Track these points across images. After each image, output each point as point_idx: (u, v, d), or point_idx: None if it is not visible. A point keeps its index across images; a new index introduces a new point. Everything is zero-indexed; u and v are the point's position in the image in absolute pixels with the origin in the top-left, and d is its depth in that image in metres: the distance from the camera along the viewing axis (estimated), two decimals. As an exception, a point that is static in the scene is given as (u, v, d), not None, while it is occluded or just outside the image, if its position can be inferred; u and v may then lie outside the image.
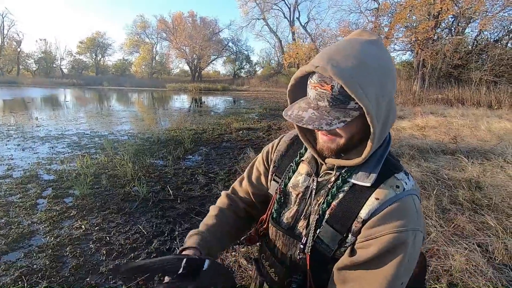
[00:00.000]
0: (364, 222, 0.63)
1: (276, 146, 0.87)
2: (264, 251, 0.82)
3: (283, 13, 33.88)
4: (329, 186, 0.69)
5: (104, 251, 2.48)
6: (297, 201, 0.75)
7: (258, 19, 36.03)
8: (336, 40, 23.17)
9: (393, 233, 0.59)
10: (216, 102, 20.56)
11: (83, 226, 2.86)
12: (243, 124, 9.47)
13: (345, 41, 0.62)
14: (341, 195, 0.67)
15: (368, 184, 0.64)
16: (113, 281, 2.14)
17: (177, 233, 2.83)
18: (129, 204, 3.41)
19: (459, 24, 15.63)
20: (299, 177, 0.76)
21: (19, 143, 6.25)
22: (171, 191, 3.76)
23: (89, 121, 9.72)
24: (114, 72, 54.07)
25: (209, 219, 0.88)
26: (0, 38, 45.33)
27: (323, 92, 0.58)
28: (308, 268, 0.68)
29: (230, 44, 49.58)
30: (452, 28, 16.08)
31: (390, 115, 0.63)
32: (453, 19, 15.77)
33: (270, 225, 0.80)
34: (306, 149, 0.78)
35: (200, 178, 4.35)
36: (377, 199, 0.62)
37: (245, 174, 0.96)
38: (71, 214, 3.12)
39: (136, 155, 5.41)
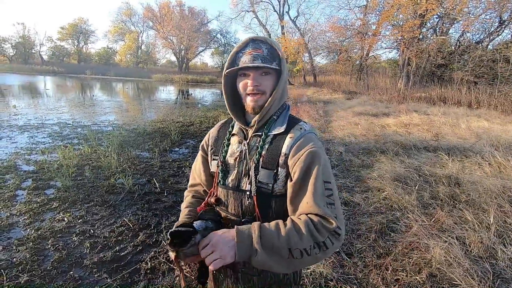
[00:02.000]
0: (286, 155, 0.88)
1: (209, 135, 1.10)
2: (219, 215, 0.98)
3: (273, 7, 33.61)
4: (257, 144, 0.92)
5: (88, 244, 2.43)
6: (236, 164, 0.95)
7: (247, 11, 35.60)
8: (325, 36, 23.28)
9: (306, 151, 0.86)
10: (203, 94, 20.31)
11: (65, 219, 2.79)
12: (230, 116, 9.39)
13: None
14: (267, 146, 0.91)
15: (282, 130, 0.91)
16: (97, 274, 2.10)
17: (163, 226, 2.80)
18: (114, 197, 3.33)
19: (444, 24, 15.99)
20: (234, 146, 0.97)
21: (-5, 132, 5.97)
22: (157, 184, 3.71)
23: (71, 111, 9.39)
24: (97, 61, 52.30)
25: (183, 211, 1.08)
26: (-26, 20, 42.68)
27: (257, 54, 0.87)
28: (256, 207, 0.88)
29: (219, 35, 48.96)
30: (437, 28, 16.45)
31: (286, 85, 0.94)
32: (438, 19, 16.12)
33: (220, 190, 0.97)
34: (233, 127, 1.01)
35: (187, 171, 4.31)
36: (291, 137, 0.90)
37: (192, 170, 1.16)
38: (53, 206, 3.03)
39: (121, 146, 5.28)
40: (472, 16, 14.19)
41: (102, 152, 4.75)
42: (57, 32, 50.94)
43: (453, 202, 3.18)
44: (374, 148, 5.37)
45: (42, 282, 1.99)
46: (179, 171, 4.31)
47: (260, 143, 0.91)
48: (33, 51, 49.58)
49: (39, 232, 2.54)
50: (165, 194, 3.50)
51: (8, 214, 2.81)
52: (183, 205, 1.12)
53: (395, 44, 18.18)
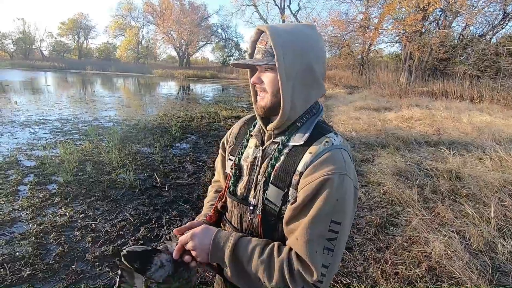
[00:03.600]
0: (301, 174, 0.71)
1: (231, 131, 0.99)
2: (224, 223, 0.90)
3: (274, 0, 33.30)
4: (272, 154, 0.78)
5: (89, 239, 2.45)
6: (248, 171, 0.83)
7: (248, 5, 35.24)
8: (327, 30, 23.05)
9: (321, 177, 0.67)
10: (204, 89, 20.26)
11: (67, 213, 2.81)
12: (232, 112, 9.39)
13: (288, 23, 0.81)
14: (282, 158, 0.76)
15: (301, 143, 0.74)
16: (99, 268, 2.12)
17: (164, 220, 2.82)
18: (115, 192, 3.35)
19: (446, 18, 15.82)
20: (249, 149, 0.86)
21: (-3, 127, 5.99)
22: (158, 179, 3.72)
23: (72, 106, 9.40)
24: (98, 56, 52.17)
25: (205, 206, 1.04)
26: (-26, 16, 42.61)
27: (260, 47, 0.74)
28: (260, 228, 0.76)
29: (219, 30, 48.61)
30: (440, 22, 16.28)
31: (312, 84, 0.75)
32: (440, 12, 15.95)
33: (227, 198, 0.87)
34: (254, 126, 0.89)
35: (188, 166, 4.32)
36: (310, 153, 0.72)
37: (215, 165, 1.07)
38: (55, 201, 3.05)
39: (122, 142, 5.29)
40: (476, 9, 14.03)
41: (103, 148, 4.77)
42: (57, 27, 50.77)
43: (454, 196, 3.18)
44: (375, 143, 5.36)
45: (45, 276, 2.01)
46: (179, 166, 4.32)
47: (275, 154, 0.77)
48: (34, 47, 49.49)
49: (41, 227, 2.56)
50: (166, 189, 3.52)
51: (11, 209, 2.83)
52: (206, 200, 1.06)
53: (397, 38, 18.03)
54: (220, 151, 1.02)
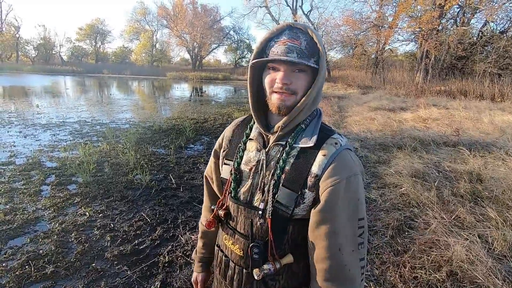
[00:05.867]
0: (318, 177, 0.73)
1: (223, 135, 0.96)
2: (227, 231, 0.86)
3: (286, 1, 33.21)
4: (278, 155, 0.77)
5: (108, 238, 2.51)
6: (251, 175, 0.81)
7: (260, 7, 35.34)
8: (340, 29, 22.81)
9: (342, 179, 0.71)
10: (217, 91, 20.43)
11: (87, 213, 2.89)
12: (244, 114, 9.40)
13: None
14: (292, 160, 0.76)
15: (312, 144, 0.75)
16: (118, 267, 2.18)
17: (180, 221, 2.86)
18: (132, 192, 3.43)
19: (465, 14, 15.33)
20: (250, 153, 0.83)
21: (20, 130, 6.25)
22: (173, 180, 3.78)
23: (90, 109, 9.69)
24: (114, 60, 53.52)
25: (199, 241, 1.09)
26: (-2, 24, 44.68)
27: (293, 45, 0.70)
28: (270, 231, 0.74)
29: (232, 32, 48.94)
30: (458, 19, 15.79)
31: (322, 88, 0.78)
32: (458, 9, 15.47)
33: (230, 203, 0.84)
34: (250, 129, 0.87)
35: (202, 167, 4.36)
36: (324, 155, 0.73)
37: (204, 186, 1.07)
38: (75, 201, 3.15)
39: (138, 143, 5.41)
40: (496, 5, 13.53)
41: (120, 149, 4.89)
42: (76, 33, 52.49)
43: (475, 199, 3.07)
44: (391, 144, 5.25)
45: (67, 273, 2.08)
46: (194, 167, 4.38)
47: (283, 156, 0.76)
48: (54, 52, 51.32)
49: (63, 226, 2.65)
50: (181, 190, 3.57)
51: (34, 208, 2.94)
52: (200, 225, 1.09)
53: (413, 36, 17.61)
54: (212, 158, 0.98)
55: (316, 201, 0.73)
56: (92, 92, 16.69)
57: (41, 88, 16.80)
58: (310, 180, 0.73)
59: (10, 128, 6.38)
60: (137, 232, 2.64)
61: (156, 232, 2.64)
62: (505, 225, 2.51)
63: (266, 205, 0.75)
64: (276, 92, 0.74)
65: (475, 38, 15.76)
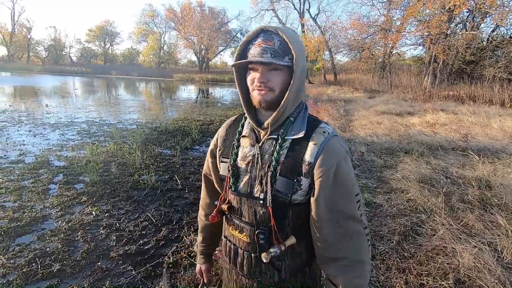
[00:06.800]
0: (311, 164, 0.79)
1: (218, 135, 1.02)
2: (232, 223, 0.92)
3: (293, 4, 33.30)
4: (272, 148, 0.84)
5: (114, 237, 2.53)
6: (248, 169, 0.87)
7: (267, 10, 35.49)
8: (347, 33, 22.75)
9: (334, 164, 0.79)
10: (223, 93, 20.51)
11: (93, 212, 2.92)
12: (250, 116, 9.43)
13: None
14: (285, 151, 0.82)
15: (302, 135, 0.81)
16: (123, 266, 2.19)
17: (185, 221, 2.87)
18: (138, 192, 3.46)
19: (474, 18, 15.15)
20: (245, 149, 0.89)
21: (30, 129, 6.36)
22: (179, 181, 3.80)
23: (97, 110, 9.81)
24: (122, 61, 54.23)
25: (199, 236, 1.18)
26: (11, 25, 45.69)
27: (267, 46, 0.76)
28: (272, 218, 0.81)
29: (239, 35, 49.11)
30: (467, 23, 15.61)
31: (303, 83, 0.83)
32: (468, 13, 15.30)
33: (232, 196, 0.90)
34: (242, 127, 0.93)
35: (208, 169, 4.38)
36: (315, 144, 0.80)
37: (203, 183, 1.12)
38: (82, 200, 3.18)
39: (145, 144, 5.46)
40: (507, 9, 13.34)
41: (126, 149, 4.93)
42: (85, 34, 53.38)
43: (484, 205, 3.02)
44: (398, 148, 5.20)
45: (72, 272, 2.10)
46: (199, 169, 4.39)
47: (277, 148, 0.82)
48: (63, 53, 52.26)
49: (69, 224, 2.68)
50: (186, 191, 3.58)
51: (42, 207, 2.98)
52: (199, 220, 1.17)
53: (421, 40, 17.46)
54: (209, 158, 1.04)
55: (311, 186, 0.81)
56: (100, 92, 16.90)
57: (51, 88, 17.08)
58: (304, 168, 0.80)
59: (20, 127, 6.50)
60: (142, 232, 2.65)
61: (161, 233, 2.65)
62: (514, 233, 2.45)
63: (266, 195, 0.81)
64: (256, 89, 0.81)
65: (484, 43, 15.55)
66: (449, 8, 13.78)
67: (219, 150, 0.98)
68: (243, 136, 0.91)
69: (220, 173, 0.96)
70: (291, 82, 0.78)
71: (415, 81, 16.57)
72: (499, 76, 12.37)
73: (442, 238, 2.45)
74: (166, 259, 2.30)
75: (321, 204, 0.79)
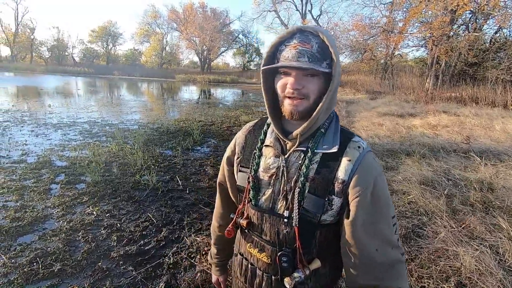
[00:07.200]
0: (345, 183, 0.73)
1: (235, 142, 0.93)
2: (250, 240, 0.85)
3: (295, 6, 33.36)
4: (299, 162, 0.76)
5: (115, 237, 2.54)
6: (271, 182, 0.80)
7: (269, 11, 35.54)
8: (349, 34, 22.73)
9: (370, 184, 0.72)
10: (225, 94, 20.54)
11: (94, 212, 2.93)
12: (252, 117, 9.45)
13: None
14: (315, 166, 0.75)
15: (335, 150, 0.74)
16: (123, 267, 2.19)
17: (185, 222, 2.87)
18: (139, 193, 3.46)
19: (477, 20, 15.11)
20: (268, 160, 0.81)
21: (32, 129, 6.39)
22: (180, 181, 3.80)
23: (100, 110, 9.84)
24: (124, 62, 54.40)
25: (213, 248, 1.13)
26: (14, 25, 45.99)
27: (304, 49, 0.69)
28: (297, 239, 0.74)
29: (240, 36, 49.32)
30: (469, 25, 15.56)
31: (336, 94, 0.77)
32: (470, 15, 15.25)
33: (253, 212, 0.82)
34: (265, 135, 0.85)
35: (209, 170, 4.38)
36: (349, 160, 0.73)
37: (218, 192, 1.05)
38: (83, 200, 3.19)
39: (146, 144, 5.47)
40: (510, 11, 13.30)
41: (128, 150, 4.95)
42: (88, 35, 53.67)
43: (486, 208, 3.00)
44: (399, 150, 5.18)
45: (73, 272, 2.11)
46: (200, 170, 4.40)
47: (306, 162, 0.74)
48: (66, 53, 52.51)
49: (70, 224, 2.69)
50: (187, 191, 3.59)
51: (44, 206, 3.00)
52: (213, 241, 1.12)
53: (423, 42, 17.42)
54: (225, 166, 0.95)
55: (343, 206, 0.74)
56: (103, 93, 16.96)
57: (53, 89, 17.16)
58: (337, 186, 0.73)
59: (22, 127, 6.53)
60: (143, 232, 2.66)
61: (162, 233, 2.65)
62: (517, 236, 2.44)
63: (291, 212, 0.75)
64: (288, 97, 0.73)
65: (487, 45, 15.49)
66: (452, 9, 13.75)
67: (237, 158, 0.90)
68: (266, 146, 0.83)
69: (238, 183, 0.89)
70: (328, 90, 0.72)
71: (417, 83, 16.51)
72: (501, 78, 12.32)
73: (443, 240, 2.44)
74: (167, 259, 2.30)
75: (358, 228, 0.73)
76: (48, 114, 8.29)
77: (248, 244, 0.86)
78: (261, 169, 0.82)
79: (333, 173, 0.74)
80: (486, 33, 15.83)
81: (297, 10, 33.36)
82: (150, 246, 2.47)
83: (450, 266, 2.15)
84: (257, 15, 37.90)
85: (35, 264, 2.14)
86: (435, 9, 14.76)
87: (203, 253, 2.40)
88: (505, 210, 2.91)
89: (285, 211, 0.76)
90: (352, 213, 0.72)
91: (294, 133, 0.76)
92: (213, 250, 1.12)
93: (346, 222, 0.74)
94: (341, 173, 0.73)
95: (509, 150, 4.81)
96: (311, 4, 33.27)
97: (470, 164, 4.22)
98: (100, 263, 2.21)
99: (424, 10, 15.69)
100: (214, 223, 1.09)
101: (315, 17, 31.50)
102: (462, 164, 4.25)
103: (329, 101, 0.73)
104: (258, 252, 0.83)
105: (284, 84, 0.73)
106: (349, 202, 0.73)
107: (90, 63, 50.44)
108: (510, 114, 8.19)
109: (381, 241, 0.73)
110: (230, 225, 0.85)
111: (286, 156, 0.78)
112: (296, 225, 0.73)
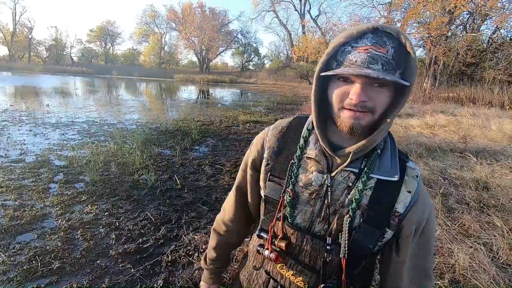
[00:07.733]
0: (401, 216, 0.67)
1: (265, 144, 0.79)
2: (284, 261, 0.75)
3: (294, 6, 33.48)
4: (347, 183, 0.67)
5: (113, 236, 2.56)
6: (311, 201, 0.70)
7: (268, 11, 35.67)
8: (347, 34, 22.71)
9: (424, 220, 0.68)
10: (223, 94, 20.56)
11: (93, 211, 2.95)
12: (250, 117, 9.47)
13: None
14: (369, 192, 0.65)
15: (396, 179, 0.66)
16: (122, 265, 2.21)
17: (183, 221, 2.89)
18: (138, 192, 3.48)
19: (474, 21, 15.21)
20: (310, 175, 0.70)
21: (31, 128, 6.38)
22: (178, 181, 3.82)
23: (98, 110, 9.84)
24: (123, 62, 54.36)
25: (211, 252, 0.99)
26: (12, 25, 45.85)
27: (377, 54, 0.56)
28: (344, 272, 0.67)
29: (239, 36, 49.40)
30: (467, 25, 15.68)
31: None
32: (468, 15, 15.36)
33: (291, 231, 0.73)
34: (305, 141, 0.72)
35: (207, 169, 4.40)
36: (409, 192, 0.67)
37: (233, 197, 0.92)
38: (82, 199, 3.21)
39: (145, 144, 5.48)
40: (507, 11, 13.39)
41: (126, 149, 4.96)
42: (86, 34, 53.55)
43: (481, 207, 3.04)
44: (397, 150, 5.22)
45: (72, 269, 2.12)
46: (199, 169, 4.42)
47: (360, 187, 0.65)
48: (64, 53, 52.41)
49: (69, 223, 2.71)
50: (186, 190, 3.61)
51: (42, 205, 3.01)
52: (211, 245, 0.98)
53: (421, 42, 17.50)
54: (248, 170, 0.83)
55: (393, 239, 0.69)
56: (101, 93, 16.95)
57: (52, 88, 17.13)
58: (392, 219, 0.66)
59: (21, 126, 6.53)
60: (142, 231, 2.68)
61: (160, 232, 2.67)
62: (510, 234, 2.48)
63: (335, 238, 0.68)
64: (348, 109, 0.61)
65: (485, 45, 15.60)
66: (450, 10, 13.83)
67: (266, 164, 0.77)
68: (308, 158, 0.71)
69: (266, 193, 0.76)
70: (400, 105, 0.61)
71: (415, 83, 16.57)
72: (499, 78, 12.41)
73: (438, 238, 2.47)
74: (165, 257, 2.32)
75: (407, 262, 0.69)
76: (46, 114, 8.28)
77: (280, 265, 0.76)
78: (300, 183, 0.71)
79: (392, 204, 0.66)
80: (484, 33, 15.94)
81: (296, 10, 33.50)
82: (148, 244, 2.49)
83: (444, 263, 2.18)
84: (256, 15, 38.04)
85: (34, 262, 2.15)
86: (433, 9, 14.85)
87: (201, 251, 2.42)
88: (499, 208, 2.95)
89: (326, 235, 0.69)
90: (403, 251, 0.69)
91: (347, 150, 0.65)
92: (211, 254, 0.98)
93: (394, 258, 0.70)
94: (400, 206, 0.66)
95: (505, 150, 4.86)
96: (310, 4, 33.52)
97: (466, 164, 4.26)
98: (98, 261, 2.23)
99: (422, 10, 15.77)
100: (221, 226, 0.95)
101: (313, 17, 31.59)
102: (458, 164, 4.29)
103: (395, 117, 0.63)
104: (292, 275, 0.74)
105: (345, 93, 0.60)
106: (400, 237, 0.68)
107: (88, 62, 50.40)
108: (506, 114, 8.26)
109: (424, 275, 0.72)
110: (271, 250, 0.74)
111: (333, 175, 0.68)
112: (344, 256, 0.65)
